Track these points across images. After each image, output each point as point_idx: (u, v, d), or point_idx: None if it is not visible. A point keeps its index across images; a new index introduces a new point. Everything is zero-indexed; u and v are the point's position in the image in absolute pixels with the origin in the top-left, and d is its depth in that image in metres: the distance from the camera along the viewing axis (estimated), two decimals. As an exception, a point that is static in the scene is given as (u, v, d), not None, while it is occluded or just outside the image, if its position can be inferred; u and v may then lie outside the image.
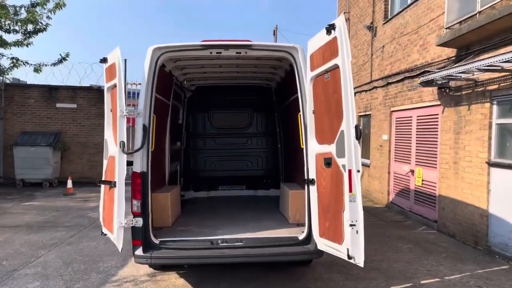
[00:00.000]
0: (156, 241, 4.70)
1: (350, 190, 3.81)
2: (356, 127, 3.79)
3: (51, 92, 15.04)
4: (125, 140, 4.51)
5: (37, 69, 12.79)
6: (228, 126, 8.65)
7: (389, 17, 11.15)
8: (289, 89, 6.62)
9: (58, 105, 15.02)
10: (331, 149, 4.13)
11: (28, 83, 15.88)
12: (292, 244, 4.74)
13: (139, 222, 4.60)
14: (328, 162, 4.17)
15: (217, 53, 4.94)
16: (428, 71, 8.11)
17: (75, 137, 15.06)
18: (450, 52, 7.79)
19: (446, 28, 7.55)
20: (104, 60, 5.06)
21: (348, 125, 3.84)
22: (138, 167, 4.65)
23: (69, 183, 12.70)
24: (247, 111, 8.72)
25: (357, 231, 3.78)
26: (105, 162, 5.44)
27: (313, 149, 4.51)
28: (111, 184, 4.62)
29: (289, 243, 4.76)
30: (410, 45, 9.63)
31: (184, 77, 7.45)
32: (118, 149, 4.50)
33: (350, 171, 3.83)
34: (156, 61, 4.80)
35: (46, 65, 12.96)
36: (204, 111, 8.62)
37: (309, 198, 4.62)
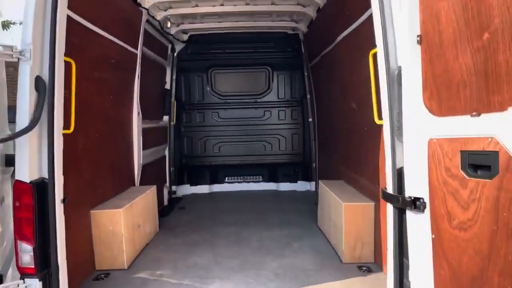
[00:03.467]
0: None
1: None
2: None
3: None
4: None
5: (4, 25, 10.55)
6: (236, 92, 6.35)
7: None
8: (333, 24, 3.98)
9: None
10: (492, 129, 1.52)
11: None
12: None
13: (33, 287, 2.17)
14: (480, 164, 1.57)
15: None
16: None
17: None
18: None
19: None
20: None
21: None
22: (25, 172, 2.17)
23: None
24: (263, 71, 6.31)
25: None
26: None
27: (418, 126, 1.91)
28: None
29: None
30: None
31: (164, 15, 4.86)
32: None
33: None
34: None
35: (14, 23, 10.66)
36: (202, 72, 6.18)
37: (400, 231, 2.09)
